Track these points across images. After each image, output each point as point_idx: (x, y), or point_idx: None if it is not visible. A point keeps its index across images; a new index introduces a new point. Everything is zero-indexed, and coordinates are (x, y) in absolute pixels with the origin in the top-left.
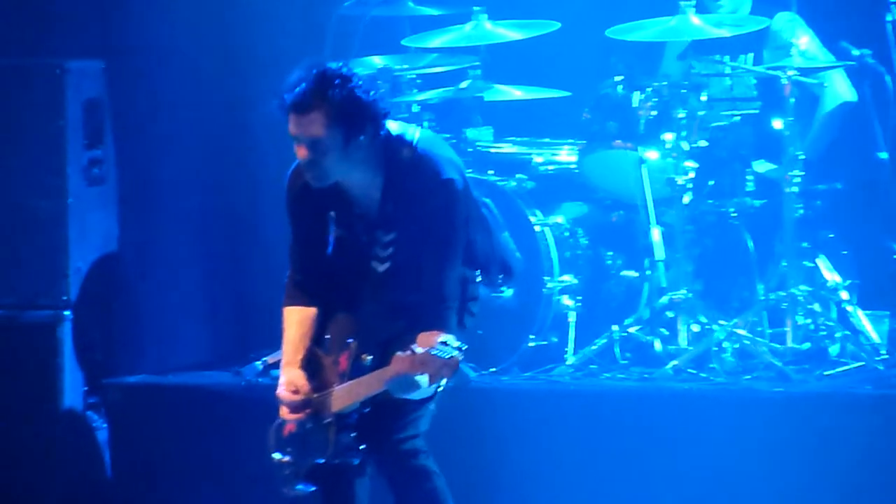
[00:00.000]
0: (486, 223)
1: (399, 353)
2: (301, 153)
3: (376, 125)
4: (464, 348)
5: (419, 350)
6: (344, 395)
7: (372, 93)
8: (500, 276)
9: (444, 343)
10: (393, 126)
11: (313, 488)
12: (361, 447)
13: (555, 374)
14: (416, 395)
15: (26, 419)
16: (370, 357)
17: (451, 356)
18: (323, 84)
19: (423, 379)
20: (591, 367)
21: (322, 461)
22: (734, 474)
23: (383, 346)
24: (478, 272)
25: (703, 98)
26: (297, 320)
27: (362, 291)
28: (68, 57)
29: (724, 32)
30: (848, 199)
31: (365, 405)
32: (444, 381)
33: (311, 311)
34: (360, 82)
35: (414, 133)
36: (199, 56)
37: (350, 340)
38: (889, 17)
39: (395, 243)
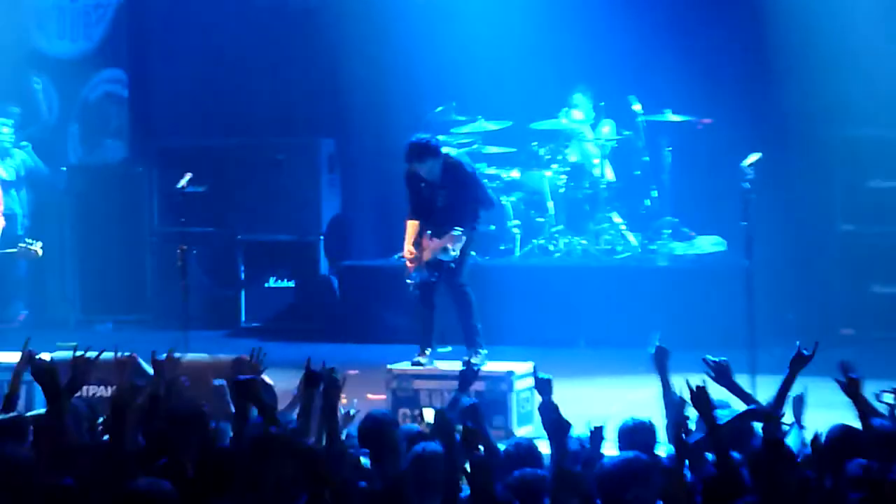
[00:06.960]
0: (482, 183)
1: (436, 239)
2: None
3: (438, 153)
4: (458, 233)
5: (448, 235)
6: (426, 252)
7: (433, 143)
8: (491, 205)
9: (453, 233)
10: (444, 149)
11: (418, 280)
12: (435, 274)
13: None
14: (447, 256)
15: None
16: (436, 238)
17: (457, 234)
18: (423, 149)
19: (451, 246)
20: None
21: (422, 277)
22: None
23: (442, 235)
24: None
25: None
26: (411, 224)
27: (433, 215)
28: (305, 135)
29: None
30: None
31: (437, 254)
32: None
33: (416, 223)
34: (432, 143)
35: (451, 151)
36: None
37: (429, 232)
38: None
39: (445, 194)
